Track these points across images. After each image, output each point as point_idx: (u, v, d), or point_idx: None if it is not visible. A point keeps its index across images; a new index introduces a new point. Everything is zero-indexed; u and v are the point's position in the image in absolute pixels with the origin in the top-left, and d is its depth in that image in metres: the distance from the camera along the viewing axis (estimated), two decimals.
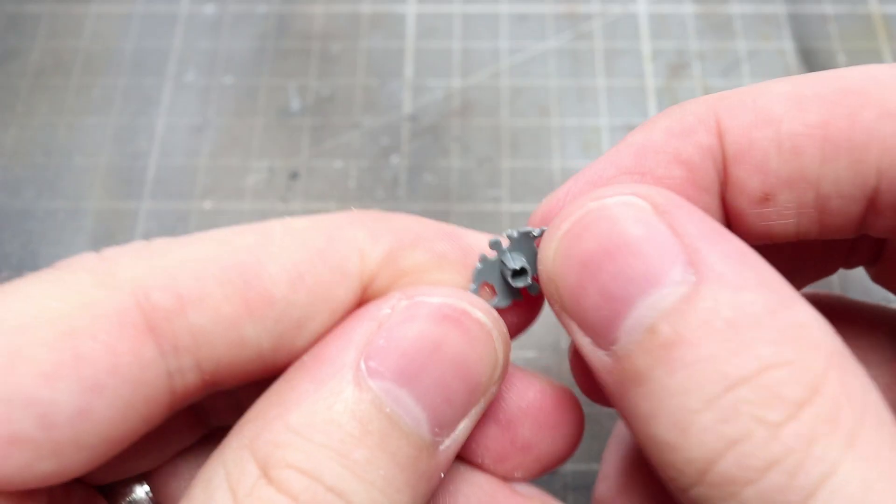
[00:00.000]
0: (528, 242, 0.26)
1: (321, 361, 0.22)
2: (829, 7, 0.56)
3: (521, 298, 0.27)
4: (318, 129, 0.52)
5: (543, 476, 0.28)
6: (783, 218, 0.25)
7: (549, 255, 0.23)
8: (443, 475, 0.23)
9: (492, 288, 0.26)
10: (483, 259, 0.26)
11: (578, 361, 0.27)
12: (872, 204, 0.24)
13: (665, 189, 0.23)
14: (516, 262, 0.26)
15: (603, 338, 0.22)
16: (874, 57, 0.54)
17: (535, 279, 0.26)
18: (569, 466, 0.42)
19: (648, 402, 0.20)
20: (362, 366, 0.22)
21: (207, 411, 0.28)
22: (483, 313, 0.24)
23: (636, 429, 0.21)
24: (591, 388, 0.28)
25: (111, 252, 0.23)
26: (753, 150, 0.24)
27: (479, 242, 0.26)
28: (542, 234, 0.26)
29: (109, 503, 0.27)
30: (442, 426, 0.22)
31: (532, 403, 0.27)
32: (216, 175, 0.51)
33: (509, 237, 0.26)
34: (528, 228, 0.26)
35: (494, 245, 0.26)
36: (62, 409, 0.20)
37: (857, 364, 0.20)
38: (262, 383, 0.24)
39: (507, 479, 0.27)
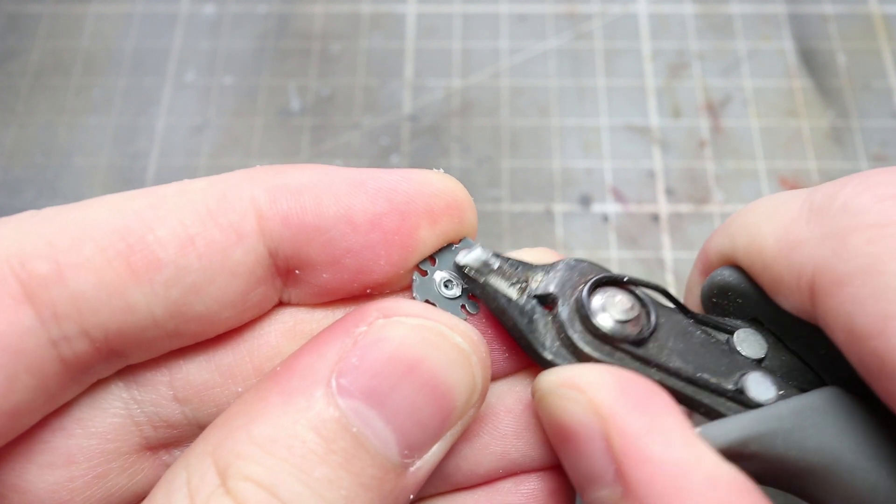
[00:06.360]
0: (451, 256, 0.26)
1: (292, 373, 0.22)
2: (829, 7, 0.56)
3: (463, 317, 0.26)
4: (318, 129, 0.52)
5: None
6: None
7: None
8: (412, 497, 0.23)
9: (432, 305, 0.26)
10: (416, 277, 0.26)
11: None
12: None
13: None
14: (453, 277, 0.26)
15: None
16: (874, 57, 0.54)
17: (472, 297, 0.26)
18: None
19: None
20: (333, 383, 0.21)
21: None
22: (461, 337, 0.23)
23: None
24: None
25: None
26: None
27: (390, 185, 0.25)
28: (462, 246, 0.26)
29: None
30: (412, 448, 0.22)
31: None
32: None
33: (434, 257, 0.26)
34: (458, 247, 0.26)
35: (424, 265, 0.26)
36: None
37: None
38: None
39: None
